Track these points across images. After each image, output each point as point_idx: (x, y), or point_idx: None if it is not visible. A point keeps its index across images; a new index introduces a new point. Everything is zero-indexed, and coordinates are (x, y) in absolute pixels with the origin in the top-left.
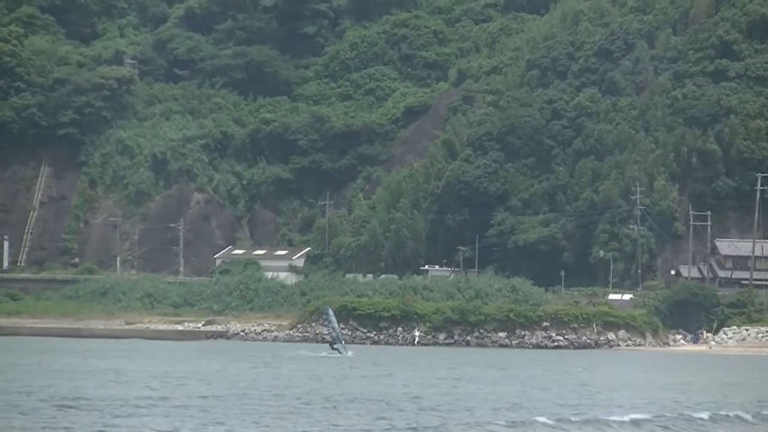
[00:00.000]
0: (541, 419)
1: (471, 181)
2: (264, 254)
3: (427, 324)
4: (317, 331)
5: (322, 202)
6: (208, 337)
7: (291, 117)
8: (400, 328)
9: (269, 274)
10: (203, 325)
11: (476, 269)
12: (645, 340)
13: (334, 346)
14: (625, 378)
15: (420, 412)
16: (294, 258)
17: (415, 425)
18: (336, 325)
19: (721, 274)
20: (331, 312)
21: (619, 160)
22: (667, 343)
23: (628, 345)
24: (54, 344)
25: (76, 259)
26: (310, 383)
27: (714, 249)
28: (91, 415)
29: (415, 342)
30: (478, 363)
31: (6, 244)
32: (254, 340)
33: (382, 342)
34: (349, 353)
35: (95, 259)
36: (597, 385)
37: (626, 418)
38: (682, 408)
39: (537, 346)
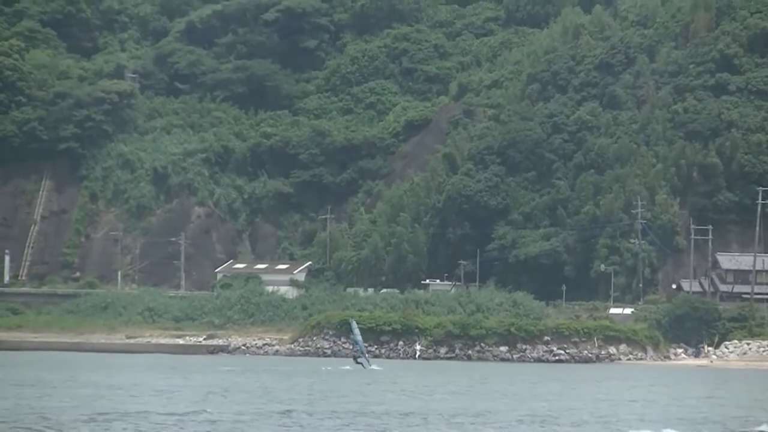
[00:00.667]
0: None
1: (472, 195)
2: (265, 268)
3: (429, 338)
4: (318, 345)
5: (323, 216)
6: (209, 352)
7: (292, 131)
8: (401, 342)
9: (270, 288)
10: (204, 339)
11: (477, 283)
12: (646, 354)
13: (358, 360)
14: (667, 392)
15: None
16: (295, 272)
17: None
18: (360, 339)
19: (722, 288)
20: (355, 325)
21: (620, 174)
22: (668, 357)
23: (629, 359)
24: (68, 359)
25: (77, 274)
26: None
27: (715, 263)
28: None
29: (416, 356)
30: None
31: (7, 258)
32: (255, 354)
33: (384, 356)
34: (373, 366)
35: (96, 273)
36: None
37: None
38: (744, 423)
39: (538, 360)
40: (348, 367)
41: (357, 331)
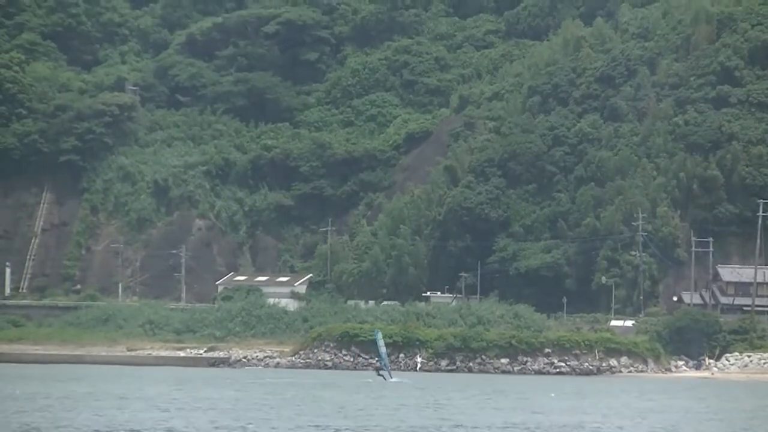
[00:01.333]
0: None
1: (473, 208)
2: (266, 281)
3: (429, 350)
4: (319, 358)
5: (324, 229)
6: (210, 364)
7: (292, 143)
8: (402, 355)
9: (271, 301)
10: (205, 351)
11: (478, 296)
12: (647, 366)
13: (380, 372)
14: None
15: None
16: (296, 284)
17: None
18: (384, 351)
19: (723, 300)
20: (380, 336)
21: (621, 187)
22: (669, 370)
23: (630, 371)
24: (82, 372)
25: (78, 286)
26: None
27: (716, 275)
28: None
29: (417, 368)
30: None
31: (8, 271)
32: (256, 367)
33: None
34: (394, 379)
35: (97, 286)
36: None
37: None
38: None
39: (539, 373)
40: (383, 379)
41: (382, 343)
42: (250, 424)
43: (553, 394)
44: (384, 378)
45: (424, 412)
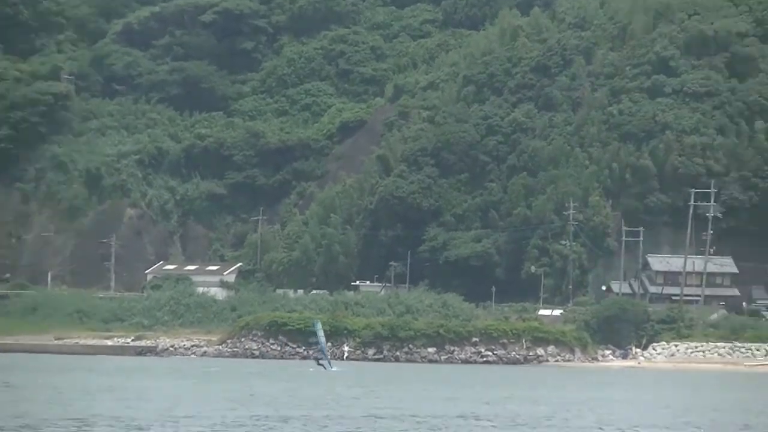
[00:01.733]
0: None
1: (404, 197)
2: (195, 270)
3: (357, 339)
4: (246, 347)
5: (255, 218)
6: (137, 353)
7: (226, 132)
8: (329, 344)
9: (200, 290)
10: (132, 340)
11: (407, 285)
12: (574, 355)
13: (320, 362)
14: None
15: None
16: (225, 273)
17: None
18: (323, 341)
19: (652, 289)
20: (319, 327)
21: (554, 176)
22: (596, 359)
23: (557, 360)
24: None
25: (8, 275)
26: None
27: (645, 264)
28: None
29: (344, 357)
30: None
31: None
32: (183, 355)
33: (311, 357)
34: (334, 369)
35: (27, 275)
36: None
37: None
38: None
39: (466, 362)
40: (323, 369)
41: (321, 333)
42: None
43: None
44: (324, 367)
45: (374, 402)
